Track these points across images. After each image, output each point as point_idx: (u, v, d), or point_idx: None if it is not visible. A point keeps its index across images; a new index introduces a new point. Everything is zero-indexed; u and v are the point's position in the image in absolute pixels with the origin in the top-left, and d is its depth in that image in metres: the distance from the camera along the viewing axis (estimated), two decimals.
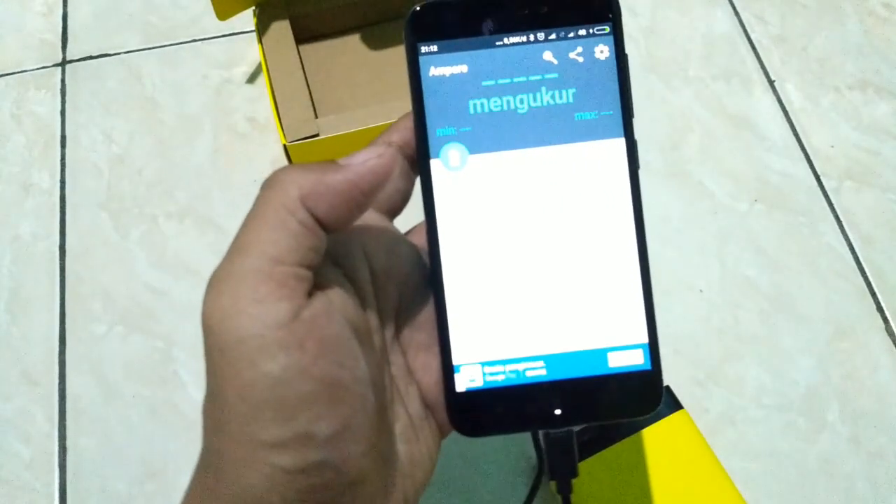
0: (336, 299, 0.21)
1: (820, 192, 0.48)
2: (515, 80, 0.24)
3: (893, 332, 0.44)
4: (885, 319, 0.44)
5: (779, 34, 0.54)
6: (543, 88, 0.24)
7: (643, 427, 0.36)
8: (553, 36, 0.24)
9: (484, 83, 0.24)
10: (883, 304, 0.45)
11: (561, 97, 0.24)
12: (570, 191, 0.24)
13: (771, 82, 0.52)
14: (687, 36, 0.54)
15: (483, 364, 0.24)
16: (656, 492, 0.35)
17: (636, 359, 0.24)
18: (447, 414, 0.24)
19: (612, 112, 0.24)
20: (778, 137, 0.50)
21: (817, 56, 0.53)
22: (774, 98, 0.52)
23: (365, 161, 0.21)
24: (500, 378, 0.24)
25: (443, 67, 0.24)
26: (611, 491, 0.35)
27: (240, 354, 0.19)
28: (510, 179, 0.24)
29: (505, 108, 0.24)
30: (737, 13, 0.55)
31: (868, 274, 0.46)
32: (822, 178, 0.49)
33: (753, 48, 0.54)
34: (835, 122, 0.51)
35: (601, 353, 0.24)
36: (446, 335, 0.24)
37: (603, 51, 0.25)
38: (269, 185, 0.21)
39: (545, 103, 0.24)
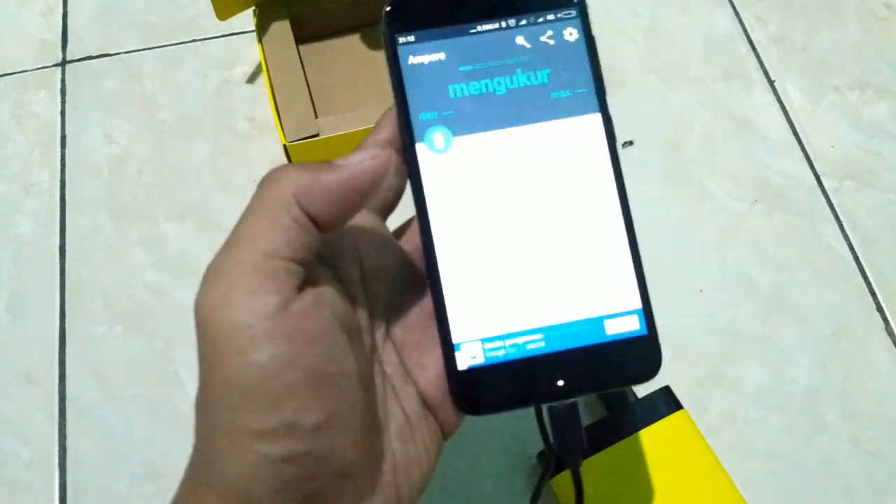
0: (326, 295, 0.21)
1: (820, 192, 0.48)
2: (491, 64, 0.25)
3: (893, 332, 0.44)
4: (885, 319, 0.44)
5: (779, 34, 0.54)
6: (519, 71, 0.25)
7: (643, 427, 0.36)
8: (524, 21, 0.26)
9: (462, 68, 0.25)
10: (883, 304, 0.45)
11: (536, 78, 0.25)
12: (554, 166, 0.25)
13: (771, 82, 0.52)
14: (687, 36, 0.54)
15: (483, 340, 0.24)
16: (656, 492, 0.35)
17: (632, 325, 0.25)
18: (450, 394, 0.24)
19: (586, 90, 0.25)
20: (778, 137, 0.50)
21: (817, 56, 0.53)
22: (774, 98, 0.52)
23: (360, 161, 0.22)
24: (501, 353, 0.24)
25: (421, 56, 0.25)
26: (610, 491, 0.35)
27: (229, 344, 0.19)
28: (495, 158, 0.25)
29: (484, 91, 0.25)
30: (737, 13, 0.55)
31: (868, 274, 0.46)
32: (822, 178, 0.49)
33: (753, 48, 0.54)
34: (835, 122, 0.51)
35: (598, 322, 0.25)
36: (444, 314, 0.24)
37: (572, 33, 0.26)
38: (265, 182, 0.21)
39: (522, 84, 0.25)
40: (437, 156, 0.25)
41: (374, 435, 0.23)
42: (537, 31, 0.26)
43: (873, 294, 0.45)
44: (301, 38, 0.48)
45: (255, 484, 0.19)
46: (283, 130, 0.44)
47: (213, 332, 0.19)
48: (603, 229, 0.25)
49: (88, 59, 0.52)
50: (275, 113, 0.45)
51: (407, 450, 0.24)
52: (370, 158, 0.22)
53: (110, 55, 0.52)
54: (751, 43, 0.54)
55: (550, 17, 0.26)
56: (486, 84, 0.25)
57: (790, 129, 0.51)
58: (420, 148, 0.25)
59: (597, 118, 0.25)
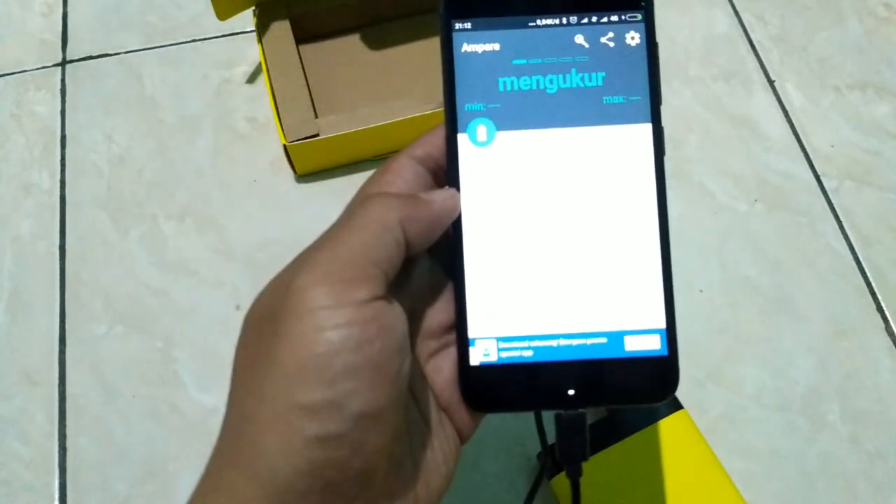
0: (397, 306, 0.23)
1: (820, 192, 0.48)
2: (546, 60, 0.25)
3: (893, 332, 0.44)
4: (885, 319, 0.44)
5: (779, 34, 0.54)
6: (573, 70, 0.25)
7: (643, 427, 0.36)
8: (585, 20, 0.25)
9: (515, 62, 0.25)
10: (883, 304, 0.45)
11: (590, 80, 0.25)
12: (596, 173, 0.25)
13: (771, 82, 0.52)
14: (687, 36, 0.54)
15: (499, 339, 0.24)
16: (656, 492, 0.35)
17: (653, 344, 0.24)
18: (460, 389, 0.24)
19: (640, 97, 0.25)
20: (778, 137, 0.50)
21: (817, 56, 0.53)
22: (774, 98, 0.52)
23: (445, 199, 0.24)
24: (515, 354, 0.24)
25: (475, 44, 0.25)
26: (610, 491, 0.35)
27: (309, 319, 0.21)
28: (536, 158, 0.25)
29: (534, 87, 0.25)
30: (737, 13, 0.55)
31: (868, 274, 0.46)
32: (822, 178, 0.49)
33: (753, 48, 0.54)
34: (835, 122, 0.51)
35: (618, 336, 0.24)
36: (463, 308, 0.24)
37: (634, 37, 0.25)
38: (371, 203, 0.23)
39: (574, 85, 0.25)
40: (477, 148, 0.25)
41: (401, 441, 0.23)
42: (598, 31, 0.25)
43: (873, 294, 0.45)
44: (301, 38, 0.48)
45: (284, 461, 0.20)
46: (283, 130, 0.44)
47: (300, 308, 0.21)
48: (637, 243, 0.24)
49: (88, 59, 0.52)
50: (275, 113, 0.44)
51: (426, 457, 0.24)
52: (450, 197, 0.24)
53: (110, 55, 0.52)
54: (751, 43, 0.54)
55: (614, 18, 0.25)
56: (538, 80, 0.25)
57: (790, 129, 0.51)
58: (461, 138, 0.25)
59: (647, 128, 0.25)
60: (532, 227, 0.24)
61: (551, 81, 0.25)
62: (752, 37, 0.54)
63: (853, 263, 0.46)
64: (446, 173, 0.25)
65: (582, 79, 0.25)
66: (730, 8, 0.55)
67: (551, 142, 0.25)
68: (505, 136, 0.25)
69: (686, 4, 0.55)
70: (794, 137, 0.50)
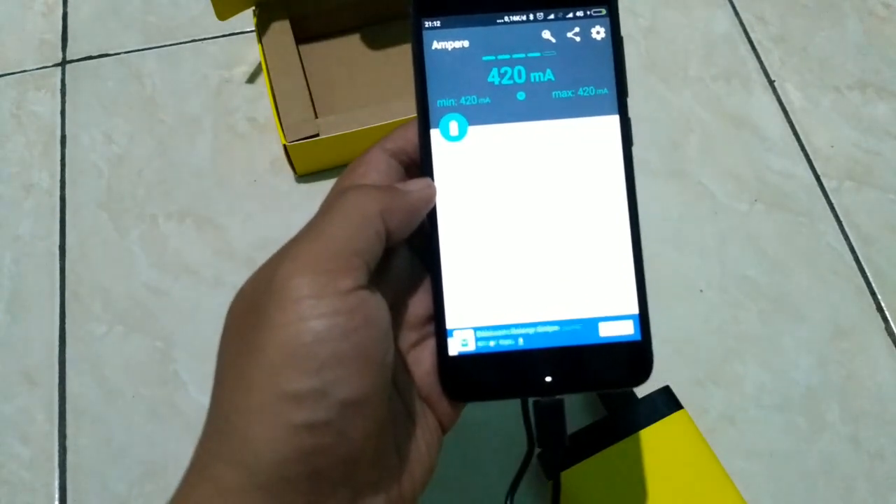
0: (380, 296, 0.23)
1: (820, 192, 0.48)
2: (515, 56, 0.25)
3: (893, 332, 0.44)
4: (885, 319, 0.44)
5: (779, 34, 0.54)
6: (542, 65, 0.25)
7: (643, 427, 0.36)
8: (552, 16, 0.26)
9: (484, 58, 0.25)
10: (883, 304, 0.45)
11: (558, 74, 0.25)
12: (566, 164, 0.25)
13: (771, 82, 0.52)
14: (687, 36, 0.54)
15: (476, 329, 0.25)
16: (656, 492, 0.35)
17: (626, 329, 0.25)
18: (439, 379, 0.25)
19: (607, 90, 0.25)
20: (778, 137, 0.50)
21: (817, 56, 0.53)
22: (774, 98, 0.52)
23: (422, 189, 0.25)
24: (492, 344, 0.25)
25: (445, 42, 0.25)
26: (610, 491, 0.35)
27: (295, 310, 0.21)
28: (508, 151, 0.25)
29: (504, 82, 0.25)
30: (737, 13, 0.55)
31: (868, 274, 0.46)
32: (822, 178, 0.49)
33: (753, 48, 0.54)
34: (835, 122, 0.51)
35: (592, 323, 0.25)
36: (441, 299, 0.25)
37: (599, 32, 0.26)
38: (351, 194, 0.23)
39: (543, 79, 0.25)
40: (450, 143, 0.25)
41: (385, 430, 0.23)
42: (564, 26, 0.26)
43: (873, 294, 0.45)
44: (301, 38, 0.48)
45: (271, 449, 0.20)
46: (283, 130, 0.44)
47: (284, 298, 0.21)
48: (608, 232, 0.25)
49: (88, 59, 0.52)
50: (275, 113, 0.45)
51: (409, 448, 0.24)
52: (427, 187, 0.25)
53: (110, 55, 0.52)
54: (751, 43, 0.54)
55: (580, 13, 0.26)
56: (507, 75, 0.25)
57: (790, 129, 0.51)
58: (434, 134, 0.25)
59: (614, 120, 0.25)
60: (506, 219, 0.25)
61: (520, 76, 0.25)
62: (752, 37, 0.54)
63: (853, 263, 0.46)
64: (420, 168, 0.26)
65: (550, 73, 0.25)
66: (730, 8, 0.55)
67: (522, 135, 0.25)
68: (477, 131, 0.25)
69: (686, 4, 0.55)
70: (794, 137, 0.50)
